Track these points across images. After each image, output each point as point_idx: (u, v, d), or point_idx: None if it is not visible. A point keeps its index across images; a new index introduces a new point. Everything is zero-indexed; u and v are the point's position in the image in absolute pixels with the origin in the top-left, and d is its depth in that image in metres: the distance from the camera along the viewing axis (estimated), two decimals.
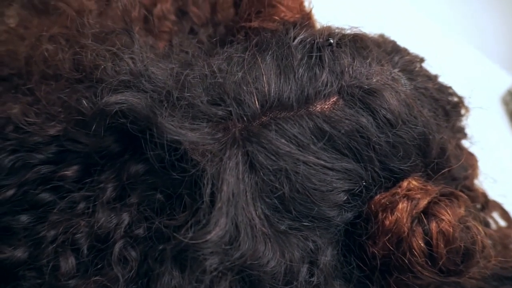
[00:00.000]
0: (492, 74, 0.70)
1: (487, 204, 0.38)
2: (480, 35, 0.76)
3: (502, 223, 0.41)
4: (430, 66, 0.36)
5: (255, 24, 0.33)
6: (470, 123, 0.40)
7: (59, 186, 0.27)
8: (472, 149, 0.40)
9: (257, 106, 0.26)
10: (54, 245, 0.26)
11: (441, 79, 0.35)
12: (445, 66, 0.37)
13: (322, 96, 0.27)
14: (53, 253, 0.25)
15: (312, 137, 0.26)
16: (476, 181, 0.38)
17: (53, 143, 0.28)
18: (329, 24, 0.33)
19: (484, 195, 0.38)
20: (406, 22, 0.69)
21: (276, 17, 0.32)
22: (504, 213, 0.41)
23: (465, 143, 0.39)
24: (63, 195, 0.27)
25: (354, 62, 0.28)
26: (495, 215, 0.41)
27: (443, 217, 0.26)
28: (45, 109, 0.28)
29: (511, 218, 0.41)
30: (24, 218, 0.27)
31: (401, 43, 0.36)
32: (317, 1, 0.36)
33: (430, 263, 0.26)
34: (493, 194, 0.40)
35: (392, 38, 0.36)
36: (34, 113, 0.28)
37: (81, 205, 0.27)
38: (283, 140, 0.26)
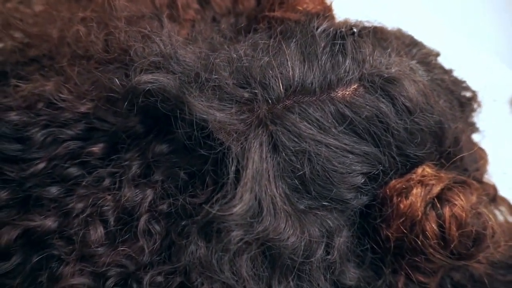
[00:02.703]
0: (501, 75, 0.70)
1: (495, 197, 0.39)
2: (488, 36, 0.76)
3: (509, 218, 0.42)
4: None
5: (278, 14, 0.34)
6: (480, 121, 0.41)
7: (87, 162, 0.29)
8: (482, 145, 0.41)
9: (282, 89, 0.27)
10: (83, 216, 0.27)
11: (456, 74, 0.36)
12: (452, 67, 0.38)
13: (344, 82, 0.28)
14: (83, 223, 0.27)
15: (334, 121, 0.27)
16: (485, 175, 0.39)
17: (83, 120, 0.29)
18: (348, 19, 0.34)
19: (494, 188, 0.39)
20: (415, 23, 0.69)
21: (299, 8, 0.33)
22: (510, 208, 0.42)
23: (475, 137, 0.40)
24: (91, 170, 0.29)
25: (374, 52, 0.29)
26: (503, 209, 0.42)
27: (456, 202, 0.27)
28: (76, 88, 0.30)
29: None
30: (54, 190, 0.28)
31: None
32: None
33: (442, 246, 0.27)
34: (502, 188, 0.41)
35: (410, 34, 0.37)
36: (67, 90, 0.29)
37: (107, 181, 0.28)
38: (305, 123, 0.27)
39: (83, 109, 0.29)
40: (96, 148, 0.29)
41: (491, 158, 0.42)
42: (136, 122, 0.29)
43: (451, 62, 0.38)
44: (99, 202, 0.27)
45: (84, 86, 0.30)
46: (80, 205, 0.28)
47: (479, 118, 0.40)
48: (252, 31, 0.32)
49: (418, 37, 0.37)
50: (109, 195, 0.28)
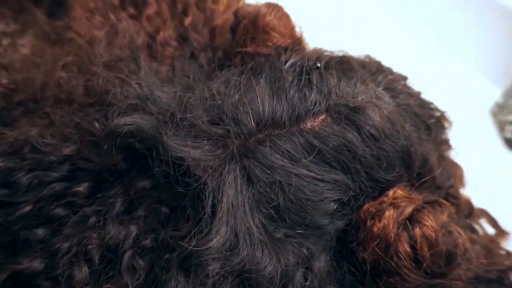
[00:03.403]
0: (480, 87, 0.72)
1: (472, 211, 0.40)
2: (468, 48, 0.78)
3: (491, 230, 0.43)
4: (417, 79, 0.39)
5: (250, 49, 0.36)
6: (459, 134, 0.42)
7: (72, 202, 0.30)
8: (460, 159, 0.43)
9: (253, 124, 0.29)
10: (68, 256, 0.28)
11: (424, 95, 0.38)
12: (433, 79, 0.40)
13: (312, 114, 0.30)
14: (68, 263, 0.28)
15: (303, 151, 0.28)
16: (461, 190, 0.40)
17: (67, 162, 0.30)
18: (319, 47, 0.36)
19: (469, 203, 0.40)
20: (394, 36, 0.71)
21: (269, 43, 0.35)
22: (492, 221, 0.43)
23: (451, 154, 0.41)
24: (76, 209, 0.30)
25: (340, 82, 0.31)
26: (484, 222, 0.43)
27: (426, 223, 0.28)
28: (59, 131, 0.31)
29: (499, 226, 0.43)
30: (40, 231, 0.29)
31: (389, 57, 0.38)
32: (310, 23, 0.39)
33: (415, 266, 0.28)
34: (483, 201, 0.42)
35: (380, 53, 0.38)
36: (50, 135, 0.31)
37: (93, 219, 0.29)
38: (277, 155, 0.28)
39: (66, 151, 0.30)
40: (81, 188, 0.30)
41: (471, 173, 0.43)
42: (119, 160, 0.30)
43: (432, 76, 0.39)
44: (84, 241, 0.28)
45: (66, 129, 0.31)
46: (66, 245, 0.28)
47: (457, 131, 0.42)
48: (225, 68, 0.34)
49: (395, 51, 0.39)
50: (94, 233, 0.29)
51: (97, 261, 0.28)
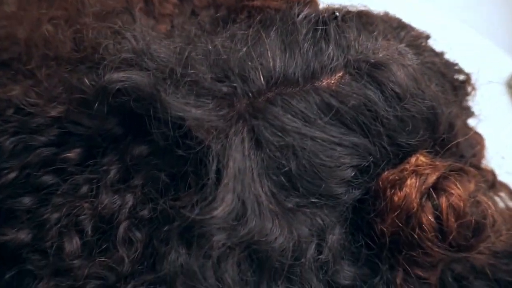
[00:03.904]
0: (496, 59, 0.69)
1: (494, 183, 0.38)
2: (483, 20, 0.75)
3: (510, 204, 0.41)
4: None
5: (257, 3, 0.32)
6: (476, 106, 0.39)
7: (62, 169, 0.27)
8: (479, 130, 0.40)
9: (262, 81, 0.26)
10: (57, 227, 0.25)
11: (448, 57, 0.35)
12: (448, 50, 0.37)
13: (328, 70, 0.26)
14: (57, 235, 0.25)
15: (319, 112, 0.26)
16: (483, 161, 0.37)
17: (55, 125, 0.28)
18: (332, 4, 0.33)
19: (493, 174, 0.37)
20: (409, 8, 0.68)
21: None
22: (510, 193, 0.41)
23: (471, 122, 0.38)
24: (66, 177, 0.27)
25: (360, 36, 0.28)
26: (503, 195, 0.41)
27: (453, 192, 0.26)
28: (46, 91, 0.28)
29: None
30: (26, 200, 0.26)
31: None
32: None
33: (440, 238, 0.26)
34: (500, 172, 0.39)
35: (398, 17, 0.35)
36: (36, 94, 0.28)
37: (85, 188, 0.27)
38: (289, 116, 0.25)
39: (54, 113, 0.27)
40: (72, 154, 0.27)
41: (489, 142, 0.40)
42: (114, 124, 0.27)
43: (445, 46, 0.36)
44: (75, 211, 0.26)
45: (55, 88, 0.28)
46: (55, 215, 0.26)
47: (475, 101, 0.39)
48: (230, 22, 0.31)
49: (409, 21, 0.36)
50: (86, 203, 0.26)
51: (89, 233, 0.25)
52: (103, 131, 0.27)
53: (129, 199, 0.26)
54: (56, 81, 0.29)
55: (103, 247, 0.25)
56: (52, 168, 0.27)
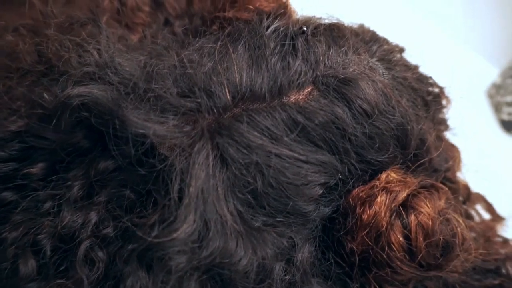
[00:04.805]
0: (477, 67, 0.69)
1: (469, 197, 0.37)
2: (465, 28, 0.75)
3: (486, 215, 0.41)
4: (413, 58, 0.36)
5: (229, 14, 0.32)
6: (455, 115, 0.39)
7: (23, 185, 0.26)
8: (456, 141, 0.40)
9: (228, 97, 0.25)
10: (14, 247, 0.24)
11: (422, 70, 0.34)
12: (429, 59, 0.36)
13: (296, 86, 0.26)
14: (14, 255, 0.24)
15: (286, 129, 0.25)
16: (458, 173, 0.37)
17: (16, 140, 0.26)
18: (307, 14, 0.32)
19: (467, 187, 0.37)
20: (390, 16, 0.68)
21: (251, 7, 0.31)
22: (488, 206, 0.41)
23: (448, 134, 0.38)
24: (27, 194, 0.26)
25: (329, 51, 0.27)
26: (479, 208, 0.41)
27: (422, 210, 0.26)
28: (6, 104, 0.27)
29: (495, 211, 0.41)
30: None
31: (383, 34, 0.35)
32: None
33: (409, 258, 0.25)
34: (478, 185, 0.39)
35: (373, 29, 0.35)
36: None
37: (47, 205, 0.26)
38: (255, 133, 0.24)
39: (13, 127, 0.26)
40: (34, 169, 0.26)
41: (469, 151, 0.40)
42: (80, 137, 0.26)
43: (427, 55, 0.36)
44: (34, 229, 0.25)
45: (15, 102, 0.27)
46: (13, 234, 0.25)
47: (455, 111, 0.39)
48: (200, 34, 0.30)
49: (392, 30, 0.35)
50: (47, 220, 0.25)
51: (48, 253, 0.24)
52: (68, 145, 0.26)
53: (92, 216, 0.25)
54: (17, 94, 0.28)
55: (62, 267, 0.25)
56: (12, 184, 0.26)
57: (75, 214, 0.25)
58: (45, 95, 0.25)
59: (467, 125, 0.51)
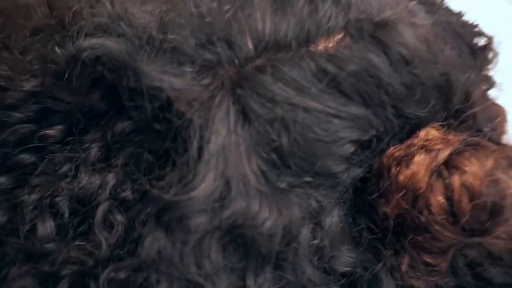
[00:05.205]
0: None
1: None
2: None
3: None
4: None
5: None
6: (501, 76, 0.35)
7: (41, 147, 0.25)
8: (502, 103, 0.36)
9: (250, 47, 0.23)
10: (33, 208, 0.24)
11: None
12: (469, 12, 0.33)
13: (326, 32, 0.23)
14: (32, 217, 0.24)
15: (314, 80, 0.23)
16: (504, 136, 0.34)
17: (32, 100, 0.26)
18: None
19: None
20: None
21: None
22: None
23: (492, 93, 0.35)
24: (45, 156, 0.25)
25: None
26: None
27: (467, 169, 0.23)
28: (19, 62, 0.26)
29: None
30: (2, 180, 0.25)
31: None
32: None
33: (451, 222, 0.23)
34: None
35: None
36: (8, 67, 0.26)
37: (65, 167, 0.25)
38: (280, 85, 0.22)
39: (28, 87, 0.25)
40: (52, 131, 0.26)
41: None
42: (97, 98, 0.25)
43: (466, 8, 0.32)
44: (52, 191, 0.24)
45: (28, 60, 0.26)
46: (32, 196, 0.25)
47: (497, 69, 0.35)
48: None
49: None
50: (64, 183, 0.25)
51: (66, 215, 0.24)
52: (85, 107, 0.25)
53: (110, 179, 0.25)
54: (31, 53, 0.27)
55: (81, 230, 0.24)
56: (30, 146, 0.25)
57: (93, 176, 0.25)
58: (57, 49, 0.24)
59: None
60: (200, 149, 0.21)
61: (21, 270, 0.22)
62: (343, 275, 0.25)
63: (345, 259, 0.25)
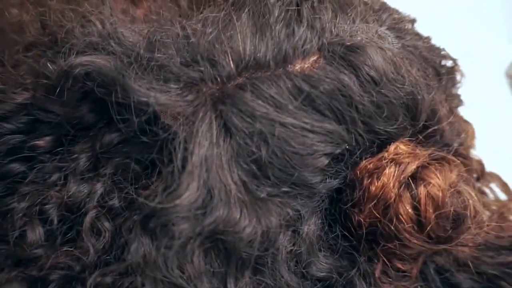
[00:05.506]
0: (496, 47, 0.67)
1: (483, 174, 0.36)
2: (484, 7, 0.73)
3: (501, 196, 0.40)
4: (425, 32, 0.34)
5: None
6: (473, 96, 0.37)
7: (30, 157, 0.26)
8: (473, 121, 0.38)
9: (232, 66, 0.25)
10: (22, 216, 0.25)
11: (433, 42, 0.33)
12: (447, 40, 0.35)
13: (301, 53, 0.25)
14: (22, 224, 0.25)
15: (290, 97, 0.24)
16: (472, 150, 0.36)
17: (23, 112, 0.27)
18: None
19: (480, 164, 0.36)
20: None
21: None
22: (503, 185, 0.39)
23: (462, 112, 0.37)
24: (34, 165, 0.26)
25: (336, 18, 0.26)
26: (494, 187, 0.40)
27: (432, 181, 0.25)
28: (13, 77, 0.27)
29: (510, 190, 0.39)
30: None
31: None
32: None
33: (418, 229, 0.25)
34: (495, 165, 0.38)
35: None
36: (0, 80, 0.27)
37: (54, 176, 0.26)
38: (259, 101, 0.24)
39: (20, 99, 0.27)
40: (42, 142, 0.27)
41: (487, 133, 0.39)
42: (86, 111, 0.26)
43: (442, 35, 0.35)
44: (41, 199, 0.25)
45: (20, 74, 0.27)
46: (22, 205, 0.25)
47: (473, 91, 0.37)
48: (205, 5, 0.29)
49: (404, 4, 0.34)
50: (53, 191, 0.26)
51: (55, 222, 0.25)
52: (74, 119, 0.26)
53: (98, 187, 0.26)
54: (23, 67, 0.28)
55: (69, 236, 0.25)
56: (20, 156, 0.26)
57: (81, 185, 0.26)
58: (49, 65, 0.25)
59: (486, 105, 0.49)
60: (184, 160, 0.23)
61: (10, 275, 0.23)
62: (319, 280, 0.26)
63: (321, 265, 0.26)
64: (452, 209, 0.24)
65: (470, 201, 0.25)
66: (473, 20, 0.68)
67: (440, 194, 0.24)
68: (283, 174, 0.25)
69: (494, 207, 0.34)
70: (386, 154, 0.26)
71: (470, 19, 0.68)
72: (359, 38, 0.26)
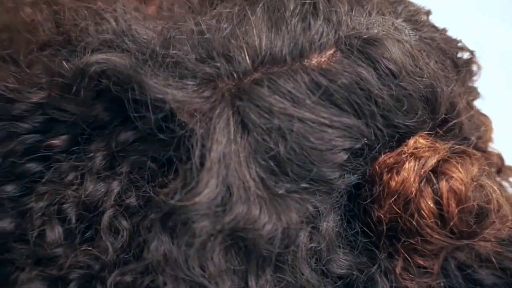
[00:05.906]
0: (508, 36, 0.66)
1: (503, 168, 0.36)
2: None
3: None
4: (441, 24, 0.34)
5: None
6: (484, 85, 0.37)
7: (47, 156, 0.26)
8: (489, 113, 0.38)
9: (248, 61, 0.24)
10: (41, 215, 0.25)
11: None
12: (457, 28, 0.34)
13: (318, 47, 0.25)
14: (40, 223, 0.24)
15: (308, 92, 0.24)
16: (490, 144, 0.35)
17: (39, 112, 0.27)
18: None
19: (500, 158, 0.35)
20: None
21: None
22: None
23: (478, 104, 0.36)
24: (51, 165, 0.26)
25: (352, 11, 0.26)
26: None
27: (454, 175, 0.24)
28: (27, 76, 0.27)
29: None
30: (10, 188, 0.26)
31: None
32: None
33: (440, 225, 0.24)
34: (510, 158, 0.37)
35: None
36: (16, 80, 0.27)
37: (70, 175, 0.26)
38: (276, 97, 0.24)
39: (35, 98, 0.27)
40: (57, 141, 0.27)
41: (497, 125, 0.38)
42: (101, 110, 0.26)
43: (455, 26, 0.34)
44: (59, 199, 0.25)
45: (35, 74, 0.27)
46: (39, 204, 0.25)
47: (482, 81, 0.37)
48: (218, 2, 0.29)
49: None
50: (70, 191, 0.26)
51: (73, 221, 0.25)
52: (89, 118, 0.26)
53: (115, 186, 0.26)
54: (38, 66, 0.28)
55: (88, 235, 0.25)
56: (36, 155, 0.26)
57: (98, 184, 0.26)
58: (64, 64, 0.25)
59: (497, 96, 0.48)
60: (202, 157, 0.23)
61: (31, 275, 0.23)
62: (340, 277, 0.26)
63: (341, 262, 0.26)
64: (475, 204, 0.24)
65: (493, 195, 0.25)
66: (483, 13, 0.67)
67: (463, 188, 0.24)
68: (301, 170, 0.24)
69: None
70: (405, 149, 0.26)
71: (480, 11, 0.67)
72: (375, 31, 0.26)
